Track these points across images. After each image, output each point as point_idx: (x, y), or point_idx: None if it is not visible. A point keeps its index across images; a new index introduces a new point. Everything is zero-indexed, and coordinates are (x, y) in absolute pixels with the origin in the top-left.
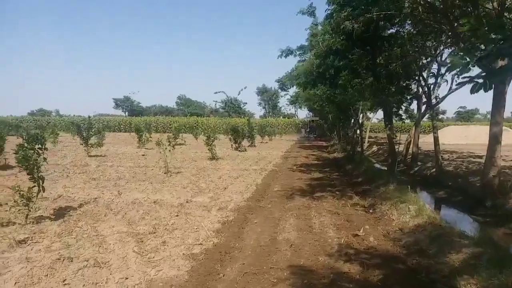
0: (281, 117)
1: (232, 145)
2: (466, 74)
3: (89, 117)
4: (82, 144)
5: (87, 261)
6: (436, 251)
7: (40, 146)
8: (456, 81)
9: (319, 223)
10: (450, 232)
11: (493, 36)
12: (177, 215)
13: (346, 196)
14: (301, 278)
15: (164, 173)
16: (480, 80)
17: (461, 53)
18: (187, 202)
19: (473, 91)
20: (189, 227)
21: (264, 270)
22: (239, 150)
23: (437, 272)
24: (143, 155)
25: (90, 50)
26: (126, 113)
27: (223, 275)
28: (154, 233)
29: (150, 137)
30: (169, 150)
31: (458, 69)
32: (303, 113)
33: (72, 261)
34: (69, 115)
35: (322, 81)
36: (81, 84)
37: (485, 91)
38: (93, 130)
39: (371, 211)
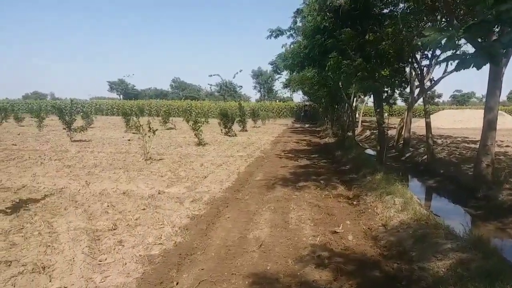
0: (277, 101)
1: (221, 130)
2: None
3: (71, 100)
4: (65, 129)
5: (25, 265)
6: (420, 254)
7: None
8: (451, 64)
9: (297, 217)
10: (436, 232)
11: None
12: (144, 209)
13: (330, 185)
14: None
15: (145, 160)
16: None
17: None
18: (159, 193)
19: (459, 67)
20: (154, 223)
21: (225, 277)
22: (229, 135)
23: (419, 282)
24: (129, 140)
25: (87, 32)
26: (121, 96)
27: (176, 284)
28: (114, 230)
29: (138, 121)
30: (149, 136)
31: (440, 44)
32: (298, 97)
33: (10, 265)
34: (65, 98)
35: (310, 63)
36: (77, 67)
37: (478, 68)
38: (80, 113)
39: (354, 203)
